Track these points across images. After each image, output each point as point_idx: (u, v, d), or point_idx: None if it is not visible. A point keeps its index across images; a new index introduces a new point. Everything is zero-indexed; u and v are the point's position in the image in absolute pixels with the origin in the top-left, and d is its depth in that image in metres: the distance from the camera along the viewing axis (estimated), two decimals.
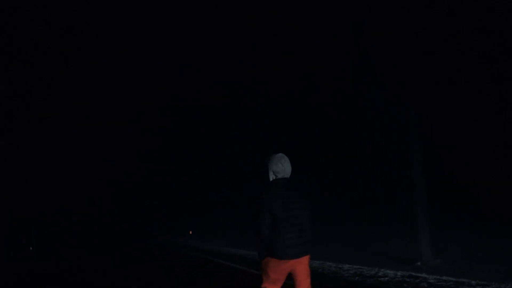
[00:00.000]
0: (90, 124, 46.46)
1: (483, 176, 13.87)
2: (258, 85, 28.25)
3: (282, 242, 3.22)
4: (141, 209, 45.70)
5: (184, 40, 35.17)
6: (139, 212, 45.95)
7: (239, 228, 24.22)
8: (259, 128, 28.82)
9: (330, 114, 22.54)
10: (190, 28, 35.16)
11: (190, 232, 22.08)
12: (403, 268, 7.66)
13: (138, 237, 39.59)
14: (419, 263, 8.00)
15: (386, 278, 6.36)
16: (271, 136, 27.67)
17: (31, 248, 18.32)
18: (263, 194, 3.33)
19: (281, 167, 3.42)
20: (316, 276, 7.07)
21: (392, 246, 11.03)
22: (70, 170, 44.94)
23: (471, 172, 14.09)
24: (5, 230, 31.97)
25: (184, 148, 38.05)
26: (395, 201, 17.67)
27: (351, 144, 21.46)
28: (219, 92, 31.55)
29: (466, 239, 10.44)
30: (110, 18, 37.33)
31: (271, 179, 3.45)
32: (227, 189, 31.71)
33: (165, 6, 33.71)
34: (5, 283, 10.87)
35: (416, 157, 8.27)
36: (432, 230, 8.41)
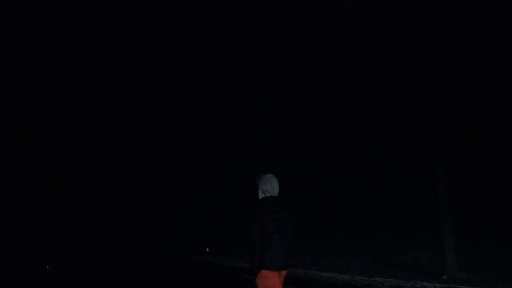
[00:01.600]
0: (91, 125, 46.19)
1: (489, 181, 13.83)
2: (263, 89, 28.22)
3: (272, 255, 3.48)
4: (148, 213, 45.48)
5: (185, 41, 35.08)
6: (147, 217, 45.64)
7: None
8: (265, 132, 28.73)
9: (342, 118, 22.41)
10: (190, 32, 35.09)
11: (207, 249, 21.68)
12: (429, 282, 7.53)
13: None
14: (445, 277, 7.85)
15: None
16: (278, 143, 27.41)
17: (47, 267, 18.03)
18: (253, 210, 3.57)
19: (270, 186, 3.70)
20: None
21: (408, 258, 10.82)
22: (71, 173, 44.74)
23: (476, 177, 14.05)
24: (9, 233, 31.91)
25: (191, 151, 37.98)
26: (404, 210, 17.54)
27: (364, 151, 21.34)
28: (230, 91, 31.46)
29: (480, 248, 10.33)
30: (111, 19, 37.17)
31: (260, 197, 3.73)
32: (229, 190, 31.58)
33: (165, 8, 33.58)
34: None
35: (438, 168, 8.09)
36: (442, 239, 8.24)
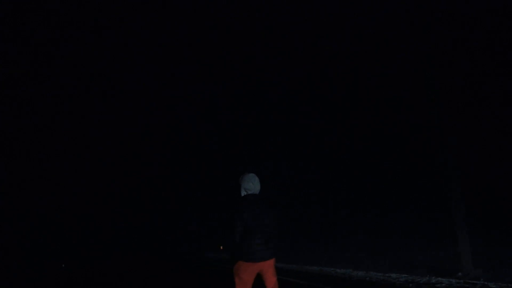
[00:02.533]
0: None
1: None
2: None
3: (251, 247, 3.79)
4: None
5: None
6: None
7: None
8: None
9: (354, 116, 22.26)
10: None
11: (221, 248, 21.69)
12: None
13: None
14: (460, 274, 7.87)
15: (443, 285, 6.19)
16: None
17: (63, 265, 17.88)
18: (236, 207, 3.89)
19: (252, 185, 4.00)
20: (364, 284, 6.94)
21: (423, 257, 10.74)
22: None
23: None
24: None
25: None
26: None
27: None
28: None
29: (485, 248, 10.28)
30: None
31: (242, 195, 4.03)
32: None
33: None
34: None
35: (452, 165, 8.15)
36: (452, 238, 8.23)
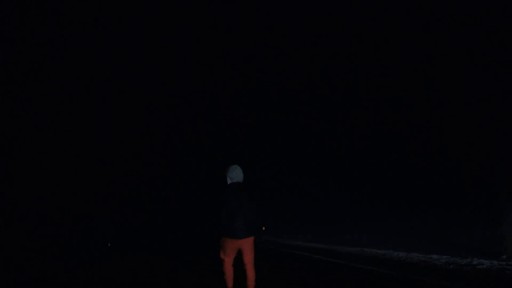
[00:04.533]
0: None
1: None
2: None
3: (233, 227, 4.66)
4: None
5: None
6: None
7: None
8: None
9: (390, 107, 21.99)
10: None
11: (263, 228, 21.88)
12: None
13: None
14: (504, 256, 7.76)
15: (484, 266, 6.22)
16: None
17: (109, 245, 17.88)
18: (221, 193, 4.74)
19: (235, 174, 4.88)
20: (404, 265, 6.94)
21: (465, 238, 10.63)
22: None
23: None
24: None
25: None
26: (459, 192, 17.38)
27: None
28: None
29: None
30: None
31: (228, 183, 4.90)
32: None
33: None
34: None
35: (496, 142, 8.10)
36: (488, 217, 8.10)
